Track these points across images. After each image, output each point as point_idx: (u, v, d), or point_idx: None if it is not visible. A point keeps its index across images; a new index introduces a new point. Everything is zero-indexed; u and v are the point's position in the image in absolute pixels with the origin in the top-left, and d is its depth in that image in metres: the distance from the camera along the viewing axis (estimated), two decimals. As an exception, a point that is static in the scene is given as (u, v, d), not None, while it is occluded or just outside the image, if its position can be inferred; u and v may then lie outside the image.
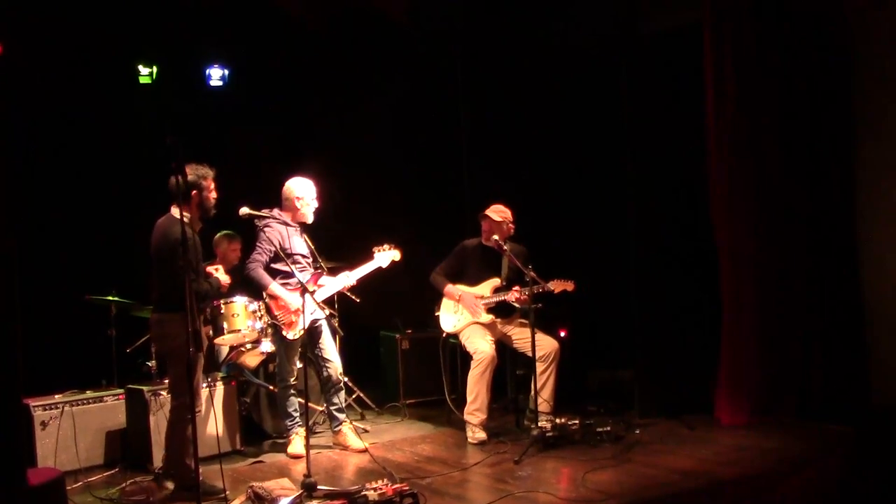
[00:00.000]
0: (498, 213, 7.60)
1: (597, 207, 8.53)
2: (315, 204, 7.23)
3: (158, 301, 6.05)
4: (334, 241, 8.22)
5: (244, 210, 6.90)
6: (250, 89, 9.59)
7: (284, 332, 7.06)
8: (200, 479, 5.88)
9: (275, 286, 7.03)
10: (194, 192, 6.00)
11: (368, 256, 7.31)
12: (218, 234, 8.19)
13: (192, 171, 5.98)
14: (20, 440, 6.02)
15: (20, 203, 7.72)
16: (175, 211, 6.01)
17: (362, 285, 7.41)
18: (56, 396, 6.86)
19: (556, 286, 7.19)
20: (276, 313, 7.09)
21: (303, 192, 7.18)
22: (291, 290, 7.06)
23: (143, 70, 9.06)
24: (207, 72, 9.44)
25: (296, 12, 8.83)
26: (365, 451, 6.95)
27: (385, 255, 7.32)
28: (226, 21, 9.10)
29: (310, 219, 7.23)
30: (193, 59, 9.45)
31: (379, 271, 7.33)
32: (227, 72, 9.52)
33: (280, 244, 7.03)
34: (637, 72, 7.92)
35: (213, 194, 6.13)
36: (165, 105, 8.89)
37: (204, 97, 9.46)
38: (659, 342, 7.69)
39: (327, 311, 6.93)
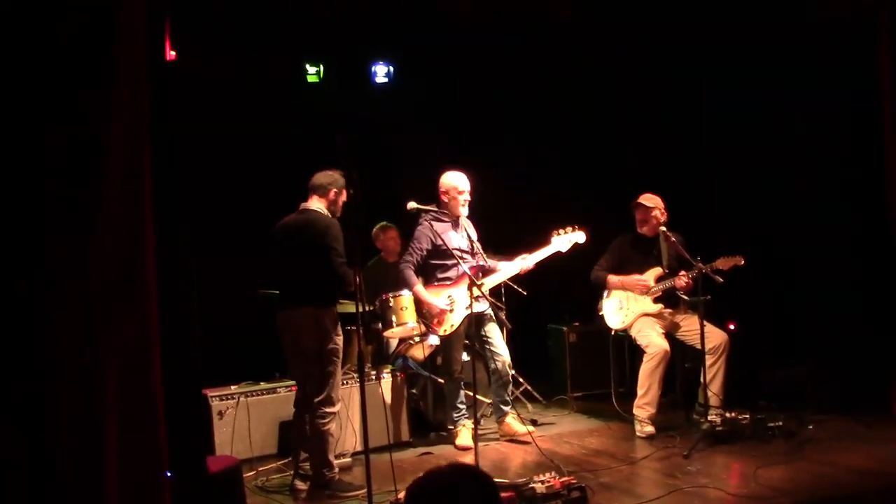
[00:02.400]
0: (650, 200, 7.58)
1: (762, 198, 8.41)
2: (466, 197, 7.23)
3: (314, 295, 6.15)
4: (509, 232, 8.30)
5: (411, 204, 7.11)
6: (416, 85, 9.78)
7: (434, 330, 7.24)
8: (337, 478, 6.16)
9: (419, 288, 7.21)
10: (333, 190, 6.29)
11: (545, 241, 7.32)
12: (375, 227, 8.52)
13: (329, 174, 6.33)
14: (201, 429, 6.37)
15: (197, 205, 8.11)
16: (314, 203, 6.29)
17: (529, 277, 7.46)
18: (232, 387, 7.03)
19: (723, 263, 7.04)
20: (424, 311, 7.26)
21: (452, 184, 7.25)
22: (450, 286, 7.22)
23: (311, 69, 9.37)
24: (373, 68, 9.68)
25: (463, 14, 8.96)
26: (529, 434, 7.04)
27: (564, 239, 7.27)
28: (390, 17, 9.30)
29: (462, 212, 7.26)
30: (359, 56, 9.69)
31: (558, 256, 7.32)
32: (391, 68, 9.74)
33: (432, 241, 7.18)
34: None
35: (343, 198, 6.33)
36: (333, 103, 9.17)
37: (370, 94, 9.70)
38: (833, 334, 7.48)
39: (487, 306, 7.05)
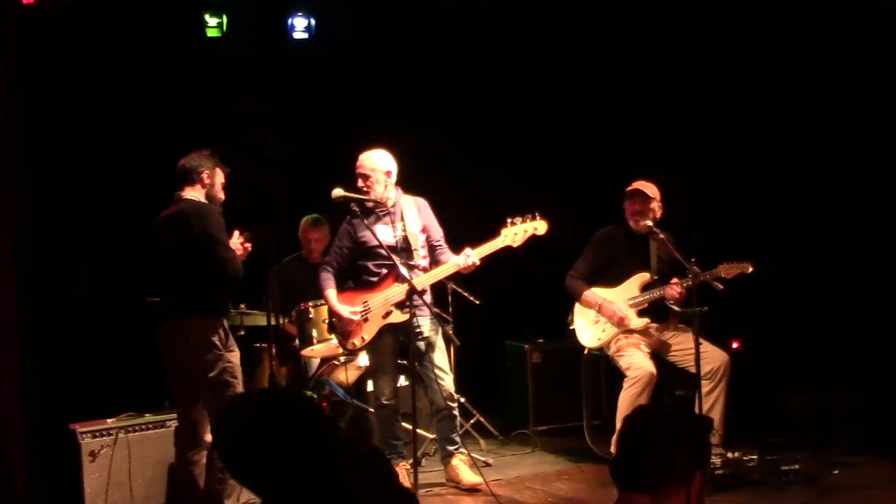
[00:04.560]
0: (649, 189, 7.50)
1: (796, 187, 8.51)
2: (387, 180, 7.11)
3: (195, 302, 6.02)
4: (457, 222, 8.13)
5: (337, 192, 6.91)
6: (343, 42, 9.65)
7: (342, 345, 7.20)
8: None
9: (328, 293, 7.16)
10: (204, 172, 6.17)
11: (494, 234, 7.05)
12: (303, 220, 8.33)
13: (193, 156, 6.22)
14: (67, 473, 6.17)
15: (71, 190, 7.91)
16: (188, 194, 6.16)
17: (481, 281, 7.32)
18: (108, 421, 6.87)
19: (727, 270, 6.99)
20: (334, 322, 7.21)
21: (372, 166, 7.12)
22: (371, 290, 7.12)
23: (211, 20, 9.15)
24: (290, 21, 9.53)
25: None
26: (480, 486, 6.93)
27: (515, 230, 6.98)
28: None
29: (386, 199, 7.13)
30: (272, 5, 9.53)
31: (516, 254, 7.06)
32: (313, 21, 9.59)
33: (352, 237, 7.16)
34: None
35: (220, 179, 6.29)
36: (240, 64, 9.02)
37: (286, 52, 9.57)
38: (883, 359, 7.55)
39: (415, 316, 6.92)
